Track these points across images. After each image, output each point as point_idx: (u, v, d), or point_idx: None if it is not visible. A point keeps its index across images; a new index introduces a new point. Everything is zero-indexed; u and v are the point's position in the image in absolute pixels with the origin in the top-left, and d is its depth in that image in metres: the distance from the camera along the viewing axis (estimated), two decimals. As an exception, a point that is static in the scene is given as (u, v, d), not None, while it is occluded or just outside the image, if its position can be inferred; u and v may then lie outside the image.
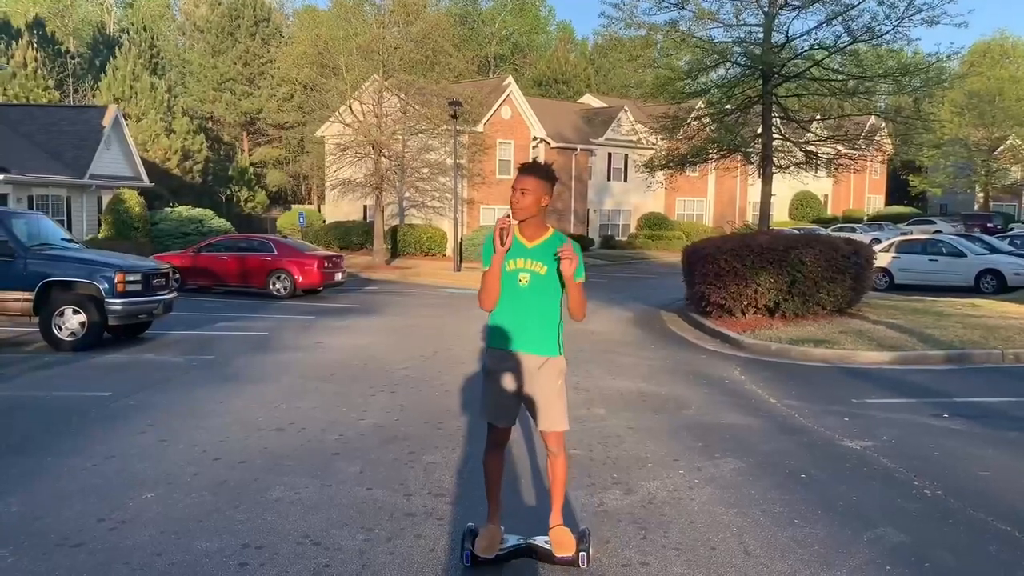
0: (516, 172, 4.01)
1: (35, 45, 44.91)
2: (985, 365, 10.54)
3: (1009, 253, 22.83)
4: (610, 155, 42.80)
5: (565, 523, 4.19)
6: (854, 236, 18.44)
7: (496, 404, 4.08)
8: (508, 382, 4.05)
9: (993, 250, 22.66)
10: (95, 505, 4.88)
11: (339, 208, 37.52)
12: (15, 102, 38.00)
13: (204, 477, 5.45)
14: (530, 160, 4.04)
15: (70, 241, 12.50)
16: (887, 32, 17.88)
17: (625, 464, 5.91)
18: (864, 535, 4.62)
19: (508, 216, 3.93)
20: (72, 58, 52.51)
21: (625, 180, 43.31)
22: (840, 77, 19.19)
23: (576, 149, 40.34)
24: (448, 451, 6.13)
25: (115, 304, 10.85)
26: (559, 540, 4.09)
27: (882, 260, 20.74)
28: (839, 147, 22.80)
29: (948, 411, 7.80)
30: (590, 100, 50.02)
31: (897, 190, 62.18)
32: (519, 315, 4.02)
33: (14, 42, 44.54)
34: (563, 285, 3.99)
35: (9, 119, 28.63)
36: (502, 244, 3.87)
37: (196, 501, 4.98)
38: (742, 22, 18.98)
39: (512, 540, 4.21)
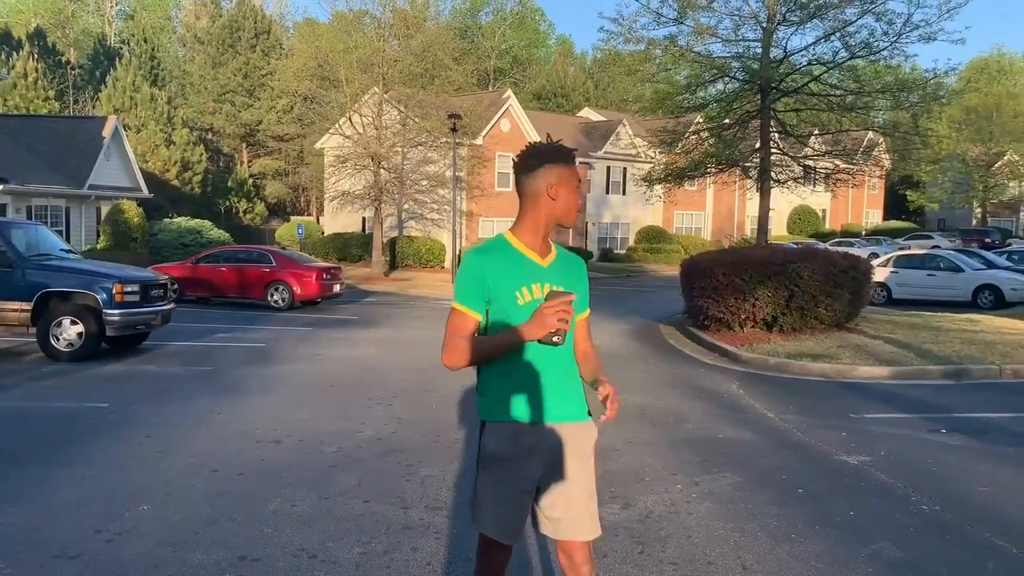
0: (565, 162, 2.73)
1: (36, 56, 45.03)
2: (983, 380, 10.54)
3: (1007, 268, 22.85)
4: (609, 168, 42.93)
5: None
6: (852, 251, 18.45)
7: (506, 510, 2.74)
8: (526, 472, 2.73)
9: (991, 265, 22.70)
10: (92, 516, 4.87)
11: (338, 220, 37.57)
12: (15, 112, 38.10)
13: (201, 489, 5.44)
14: (555, 143, 2.80)
15: (69, 251, 12.50)
16: (885, 48, 18.00)
17: (623, 478, 5.90)
18: (862, 550, 4.61)
19: (574, 296, 2.59)
20: (73, 69, 52.64)
21: (624, 193, 43.41)
22: (838, 92, 19.29)
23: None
24: (446, 464, 6.13)
25: (113, 315, 10.84)
26: None
27: (880, 275, 20.77)
28: (837, 162, 22.87)
29: (946, 426, 7.80)
30: (589, 114, 50.24)
31: (895, 205, 62.35)
32: (540, 367, 2.71)
33: (15, 53, 44.66)
34: None
35: (9, 129, 28.70)
36: (552, 343, 2.58)
37: (193, 513, 4.97)
38: (740, 37, 19.10)
39: None
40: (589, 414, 2.87)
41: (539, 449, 2.73)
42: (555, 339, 2.55)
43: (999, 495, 5.70)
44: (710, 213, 48.43)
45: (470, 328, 2.69)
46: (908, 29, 17.45)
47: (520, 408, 2.72)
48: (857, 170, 23.53)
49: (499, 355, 2.66)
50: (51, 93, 44.33)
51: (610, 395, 2.65)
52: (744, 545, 4.65)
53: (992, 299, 20.55)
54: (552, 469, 2.75)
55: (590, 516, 2.79)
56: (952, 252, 24.26)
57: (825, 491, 5.71)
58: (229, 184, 48.56)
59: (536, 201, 2.74)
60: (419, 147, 30.76)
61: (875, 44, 17.94)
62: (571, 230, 40.39)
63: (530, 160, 2.73)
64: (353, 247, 34.84)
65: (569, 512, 2.76)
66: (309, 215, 52.92)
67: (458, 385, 9.20)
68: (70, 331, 10.79)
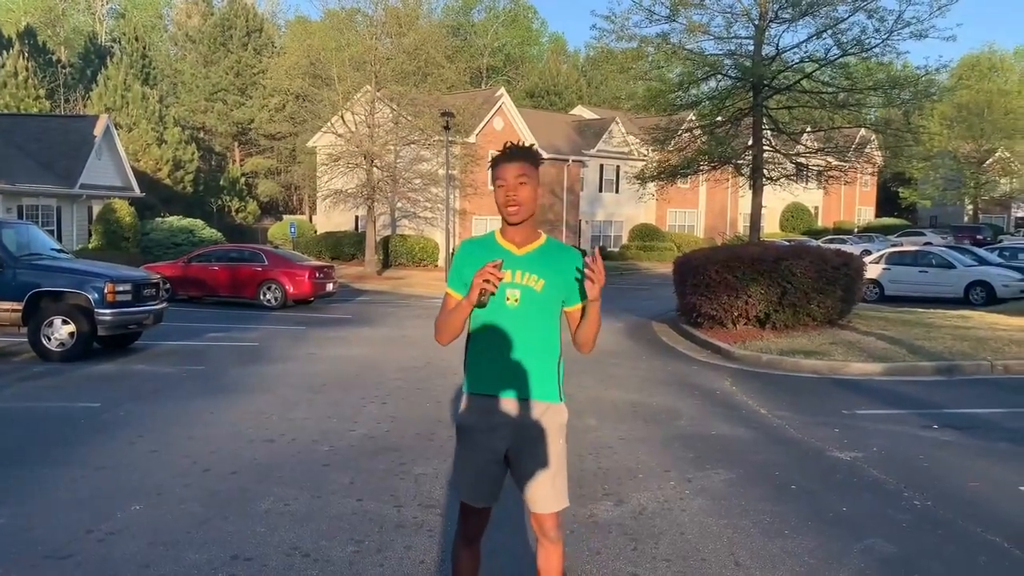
0: (496, 162, 2.99)
1: (26, 54, 44.81)
2: (975, 376, 10.59)
3: (998, 265, 22.94)
4: (602, 166, 42.95)
5: None
6: (844, 247, 18.51)
7: (475, 475, 3.03)
8: (489, 442, 2.99)
9: (982, 262, 22.78)
10: (84, 516, 4.85)
11: (331, 218, 37.50)
12: (6, 111, 37.89)
13: (194, 488, 5.42)
14: (509, 144, 3.03)
15: (60, 251, 12.45)
16: (876, 45, 18.00)
17: (616, 475, 5.91)
18: (854, 546, 4.63)
19: (500, 261, 2.86)
20: (63, 68, 52.44)
21: (617, 191, 43.45)
22: (830, 90, 19.30)
23: (568, 160, 40.45)
24: (439, 462, 6.12)
25: (105, 314, 10.80)
26: None
27: (872, 272, 20.83)
28: (829, 159, 22.88)
29: (938, 422, 7.83)
30: (582, 112, 50.22)
31: (887, 202, 62.54)
32: (507, 346, 2.97)
33: (5, 51, 44.42)
34: (563, 304, 3.04)
35: (0, 128, 28.55)
36: (480, 305, 2.89)
37: (186, 512, 4.96)
38: (733, 35, 19.08)
39: None
40: (561, 398, 3.06)
41: (506, 422, 2.98)
42: (483, 298, 2.85)
43: (991, 490, 5.72)
44: (703, 211, 48.50)
45: (450, 306, 3.01)
46: (900, 26, 17.46)
47: (489, 383, 2.99)
48: (849, 167, 23.57)
49: (456, 318, 2.95)
50: (42, 92, 44.13)
51: (587, 268, 2.88)
52: (737, 541, 4.66)
53: (984, 295, 20.62)
54: (519, 443, 3.00)
55: (556, 490, 3.02)
56: (944, 249, 24.35)
57: (818, 487, 5.73)
58: (221, 183, 48.44)
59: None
60: (412, 145, 30.71)
61: (867, 41, 17.95)
62: (564, 228, 40.44)
63: (490, 165, 3.08)
64: (346, 246, 34.79)
65: (537, 486, 3.00)
66: (302, 214, 52.86)
67: (452, 383, 9.19)
68: (61, 331, 10.74)
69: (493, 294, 2.87)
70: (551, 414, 3.00)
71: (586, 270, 2.87)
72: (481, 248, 3.04)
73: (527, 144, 3.07)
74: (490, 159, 3.13)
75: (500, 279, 2.83)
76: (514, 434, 2.99)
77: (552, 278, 2.97)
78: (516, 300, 2.94)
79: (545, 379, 2.99)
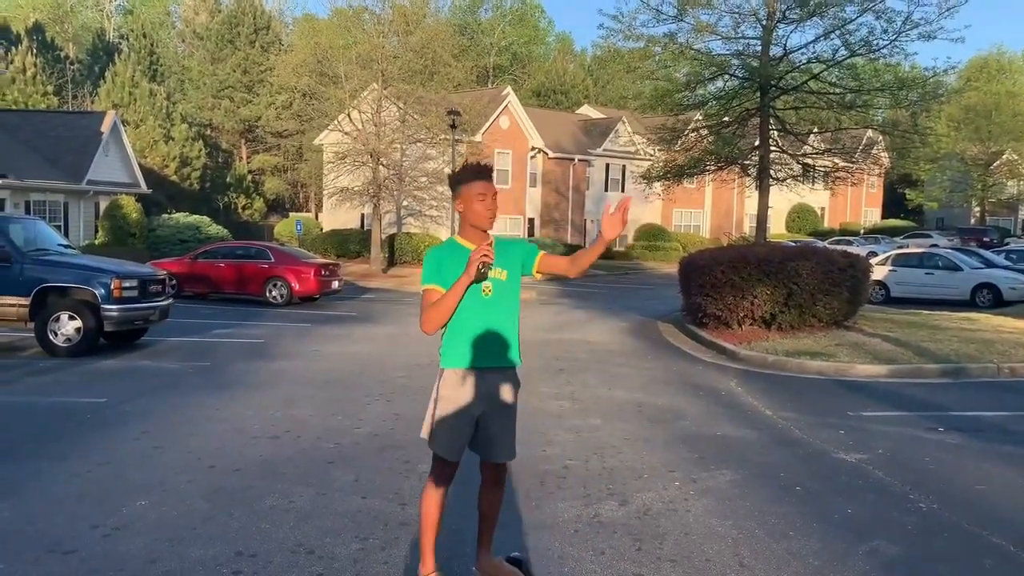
0: (475, 178, 3.62)
1: (35, 51, 44.94)
2: (981, 379, 10.55)
3: (1005, 267, 22.88)
4: (608, 166, 42.92)
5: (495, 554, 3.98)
6: (851, 249, 18.46)
7: (452, 434, 3.64)
8: (468, 407, 3.62)
9: (989, 264, 22.71)
10: (89, 511, 4.86)
11: (336, 216, 37.54)
12: (14, 107, 38.01)
13: (199, 484, 5.43)
14: (477, 163, 3.72)
15: (67, 247, 12.49)
16: (884, 46, 17.99)
17: (621, 475, 5.90)
18: (859, 548, 4.61)
19: (491, 244, 3.55)
20: (71, 64, 52.57)
21: (623, 191, 43.40)
22: (837, 90, 19.28)
23: (574, 159, 40.42)
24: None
25: (111, 310, 10.83)
26: (500, 572, 3.87)
27: (878, 273, 20.77)
28: (836, 160, 22.85)
29: (943, 424, 7.80)
30: (588, 111, 50.19)
31: (894, 203, 62.39)
32: (488, 328, 3.62)
33: (14, 47, 44.57)
34: (524, 272, 3.73)
35: (8, 124, 28.64)
36: (479, 279, 3.49)
37: (190, 508, 4.97)
38: (740, 35, 19.08)
39: None
40: (520, 362, 3.73)
41: (480, 390, 3.63)
42: (483, 271, 3.47)
43: (996, 493, 5.70)
44: (709, 211, 48.44)
45: (434, 299, 3.58)
46: (908, 27, 17.45)
47: (462, 359, 3.62)
48: (856, 168, 23.53)
49: (451, 300, 3.51)
50: (50, 88, 44.27)
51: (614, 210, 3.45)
52: (742, 542, 4.65)
53: (990, 298, 20.57)
54: (490, 406, 3.65)
55: (511, 440, 3.73)
56: (950, 251, 24.28)
57: (823, 489, 5.71)
58: (228, 180, 48.53)
59: (459, 210, 3.71)
60: (418, 144, 30.71)
61: (875, 42, 17.94)
62: (569, 227, 40.41)
63: (467, 179, 3.65)
64: (352, 243, 34.82)
65: (498, 439, 3.69)
66: (308, 211, 52.94)
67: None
68: (68, 326, 10.77)
69: (491, 266, 3.50)
70: (514, 377, 3.73)
71: (618, 213, 3.42)
72: (450, 250, 3.67)
73: (483, 163, 3.75)
74: (465, 171, 3.66)
75: (492, 254, 3.46)
76: (489, 400, 3.64)
77: (511, 267, 3.68)
78: (490, 291, 3.61)
79: (512, 348, 3.69)
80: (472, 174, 3.63)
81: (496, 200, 3.66)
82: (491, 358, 3.64)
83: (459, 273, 3.49)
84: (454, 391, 3.63)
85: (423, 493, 3.76)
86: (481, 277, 3.48)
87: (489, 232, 3.74)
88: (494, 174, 3.73)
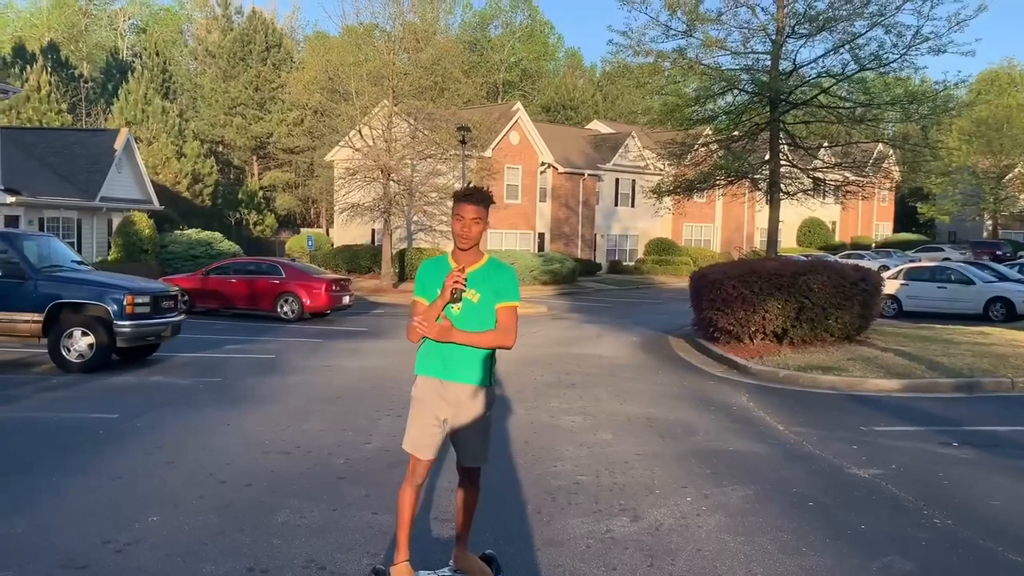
0: (457, 201, 3.91)
1: (49, 69, 45.43)
2: (995, 394, 10.48)
3: (1018, 281, 22.72)
4: (618, 180, 42.95)
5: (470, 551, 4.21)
6: (862, 263, 18.38)
7: (421, 434, 3.93)
8: (436, 412, 3.91)
9: (1002, 278, 22.58)
10: (101, 526, 4.88)
11: (347, 232, 37.66)
12: (29, 125, 38.40)
13: (210, 500, 5.44)
14: (471, 186, 4.02)
15: (80, 263, 12.56)
16: (894, 60, 17.93)
17: (632, 490, 5.88)
18: (872, 564, 4.58)
19: (463, 269, 3.82)
20: (85, 82, 53.11)
21: (632, 205, 43.41)
22: (848, 105, 19.24)
23: (584, 174, 40.48)
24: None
25: (124, 326, 10.88)
26: (473, 568, 4.10)
27: (890, 287, 20.67)
28: (847, 174, 22.78)
29: (957, 439, 7.75)
30: (598, 126, 50.28)
31: (905, 217, 62.14)
32: (449, 345, 3.88)
33: (29, 66, 45.09)
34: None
35: (22, 142, 28.91)
36: (453, 300, 3.79)
37: (202, 524, 4.97)
38: (750, 50, 19.07)
39: None
40: (491, 383, 3.98)
41: (446, 397, 3.90)
42: (455, 296, 3.78)
43: (1011, 509, 5.65)
44: (719, 225, 48.37)
45: (419, 310, 3.90)
46: (918, 41, 17.39)
47: (430, 368, 3.94)
48: (867, 182, 23.42)
49: (432, 315, 3.81)
50: (64, 106, 44.71)
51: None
52: (754, 558, 4.62)
53: (1004, 312, 20.43)
54: (456, 414, 3.91)
55: (481, 450, 4.00)
56: (963, 264, 24.14)
57: (836, 504, 5.67)
58: (239, 196, 48.79)
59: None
60: (428, 159, 30.82)
61: (884, 56, 17.89)
62: (579, 241, 40.43)
63: (453, 198, 3.98)
64: (362, 259, 34.91)
65: (467, 447, 3.98)
66: (319, 227, 53.10)
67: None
68: (81, 342, 10.83)
69: (463, 290, 3.80)
70: (481, 395, 3.93)
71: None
72: (437, 266, 4.00)
73: (484, 189, 4.00)
74: (453, 194, 3.99)
75: (464, 280, 3.78)
76: (453, 407, 3.91)
77: (486, 292, 3.87)
78: (458, 310, 3.87)
79: (478, 369, 3.90)
80: (459, 195, 3.91)
81: (475, 223, 3.86)
82: (452, 373, 3.90)
83: (439, 287, 3.82)
84: (421, 394, 3.96)
85: (399, 492, 3.99)
86: (455, 300, 3.81)
87: (481, 251, 3.98)
88: (488, 198, 4.04)
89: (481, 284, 3.87)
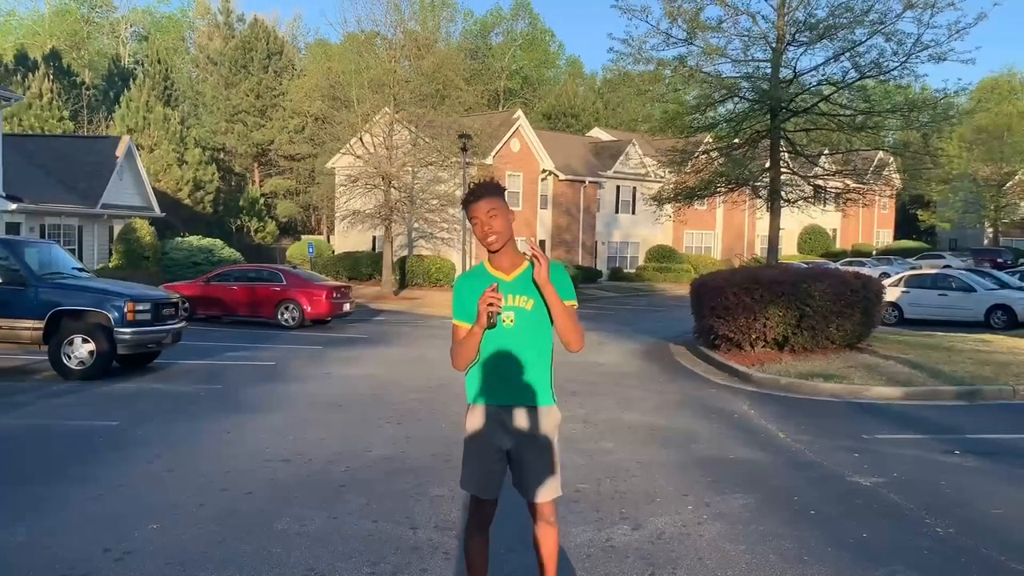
0: (466, 206, 3.40)
1: (51, 77, 45.55)
2: (996, 401, 10.45)
3: (1019, 288, 22.71)
4: (618, 188, 43.00)
5: None
6: (863, 270, 18.39)
7: (482, 471, 3.43)
8: (496, 443, 3.42)
9: (1003, 285, 22.57)
10: (101, 535, 4.87)
11: (348, 239, 37.70)
12: (30, 132, 38.47)
13: (210, 508, 5.43)
14: (474, 185, 3.44)
15: (81, 270, 12.57)
16: (895, 68, 17.95)
17: (633, 499, 5.86)
18: (874, 573, 4.56)
19: (495, 287, 3.22)
20: (87, 89, 53.19)
21: (633, 213, 43.44)
22: (848, 112, 19.25)
23: (585, 182, 40.53)
24: (455, 484, 6.08)
25: (125, 333, 10.88)
26: None
27: (891, 295, 20.67)
28: (847, 181, 22.78)
29: (959, 447, 7.73)
30: (599, 133, 50.36)
31: (906, 224, 62.15)
32: (508, 362, 3.36)
33: (31, 73, 45.19)
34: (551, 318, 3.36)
35: (24, 149, 28.97)
36: (490, 326, 3.23)
37: (202, 532, 4.96)
38: (750, 58, 19.10)
39: None
40: (554, 400, 3.46)
41: (507, 426, 3.39)
42: (491, 320, 3.21)
43: (1014, 517, 5.63)
44: (720, 232, 48.39)
45: (460, 336, 3.38)
46: (918, 49, 17.41)
47: (485, 395, 3.41)
48: (867, 189, 23.46)
49: (471, 344, 3.30)
50: (65, 113, 44.82)
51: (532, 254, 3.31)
52: (755, 567, 4.61)
53: (1005, 319, 20.42)
54: (521, 444, 3.40)
55: (552, 479, 3.44)
56: (964, 272, 24.16)
57: (837, 513, 5.66)
58: (241, 203, 48.87)
59: None
60: (429, 167, 30.89)
61: (885, 64, 17.91)
62: (580, 249, 40.43)
63: (463, 205, 3.46)
64: (363, 266, 34.94)
65: (535, 478, 3.41)
66: (320, 234, 53.14)
67: (467, 405, 9.16)
68: (82, 349, 10.83)
69: (499, 314, 3.25)
70: (547, 417, 3.42)
71: (532, 252, 3.28)
72: (475, 279, 3.41)
73: (489, 179, 3.50)
74: (462, 202, 3.46)
75: (500, 300, 3.20)
76: (517, 437, 3.40)
77: (539, 296, 3.32)
78: (511, 321, 3.34)
79: (541, 387, 3.40)
80: (468, 199, 3.40)
81: (493, 218, 3.33)
82: (512, 396, 3.38)
83: (476, 301, 3.26)
84: (476, 426, 3.44)
85: (464, 539, 3.56)
86: (491, 325, 3.24)
87: (521, 251, 3.46)
88: (495, 187, 3.49)
89: (531, 288, 3.34)
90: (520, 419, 3.39)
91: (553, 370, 3.49)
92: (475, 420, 3.44)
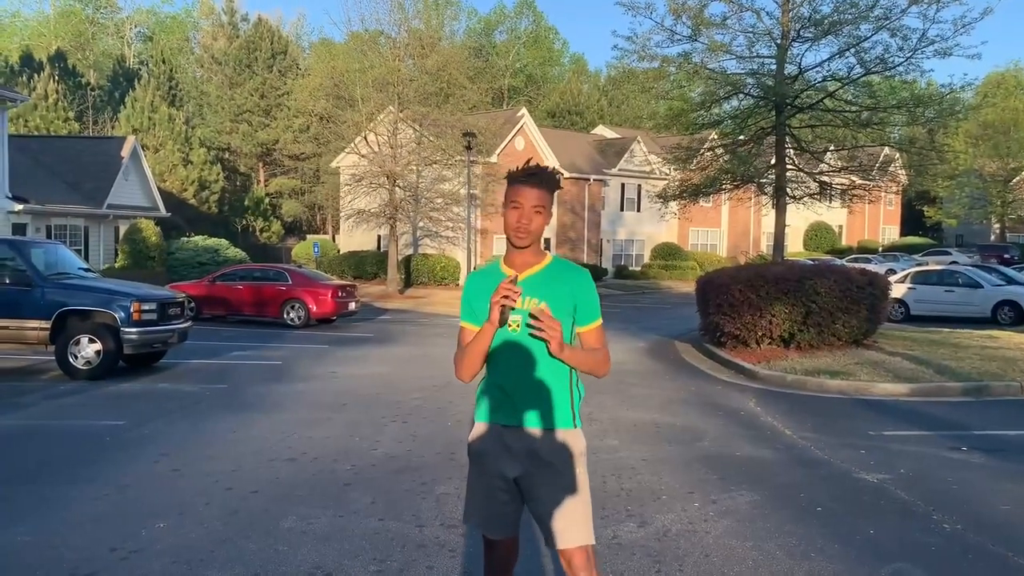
0: (513, 183, 2.86)
1: (56, 77, 45.65)
2: (1003, 398, 10.42)
3: (1026, 284, 22.64)
4: (623, 185, 42.95)
5: None
6: (869, 267, 18.35)
7: (485, 503, 2.90)
8: (499, 469, 2.87)
9: (1010, 281, 22.49)
10: (107, 534, 4.87)
11: (353, 238, 37.75)
12: (36, 133, 38.58)
13: (216, 507, 5.44)
14: (533, 165, 2.91)
15: (87, 270, 12.60)
16: (900, 64, 17.91)
17: (639, 496, 5.86)
18: (882, 570, 4.55)
19: (515, 279, 2.77)
20: (92, 90, 53.31)
21: (638, 210, 43.40)
22: (853, 108, 19.20)
23: (589, 179, 40.50)
24: (460, 482, 6.08)
25: (131, 333, 10.90)
26: None
27: (897, 291, 20.61)
28: (853, 178, 22.74)
29: (966, 444, 7.70)
30: (603, 131, 50.33)
31: (912, 220, 61.99)
32: (514, 373, 2.84)
33: (36, 74, 45.31)
34: (575, 324, 2.92)
35: (30, 150, 29.05)
36: (502, 323, 2.76)
37: (208, 531, 4.97)
38: (755, 54, 19.06)
39: None
40: (576, 423, 2.90)
41: (515, 449, 2.85)
42: (504, 315, 2.75)
43: (1021, 513, 5.61)
44: (725, 229, 48.31)
45: (466, 339, 2.93)
46: (923, 45, 17.36)
47: (497, 412, 2.88)
48: (873, 186, 23.39)
49: (477, 347, 2.82)
50: (71, 114, 44.91)
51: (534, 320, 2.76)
52: (762, 564, 4.60)
53: (1012, 315, 20.34)
54: (532, 473, 2.85)
55: (577, 523, 2.82)
56: (970, 268, 24.06)
57: (844, 510, 5.64)
58: (246, 203, 48.93)
59: None
60: (434, 165, 30.90)
61: (890, 60, 17.87)
62: (585, 246, 40.41)
63: (508, 179, 2.91)
64: (368, 265, 34.98)
65: (556, 519, 2.82)
66: (325, 233, 53.20)
67: (472, 403, 9.15)
68: (88, 349, 10.85)
69: (514, 308, 2.77)
70: (565, 442, 2.85)
71: (534, 323, 2.74)
72: (487, 277, 2.94)
73: (549, 167, 2.91)
74: (508, 174, 2.91)
75: (518, 293, 2.74)
76: (526, 463, 2.84)
77: (554, 299, 2.83)
78: (517, 325, 2.81)
79: (556, 404, 2.86)
80: (516, 176, 2.87)
81: (537, 214, 2.83)
82: (518, 414, 2.86)
83: (487, 305, 2.79)
84: (476, 448, 2.94)
85: None
86: (504, 322, 2.79)
87: (543, 250, 2.97)
88: (555, 180, 2.87)
89: (545, 291, 2.84)
90: (528, 442, 2.84)
91: (579, 388, 2.95)
92: (475, 441, 2.94)
